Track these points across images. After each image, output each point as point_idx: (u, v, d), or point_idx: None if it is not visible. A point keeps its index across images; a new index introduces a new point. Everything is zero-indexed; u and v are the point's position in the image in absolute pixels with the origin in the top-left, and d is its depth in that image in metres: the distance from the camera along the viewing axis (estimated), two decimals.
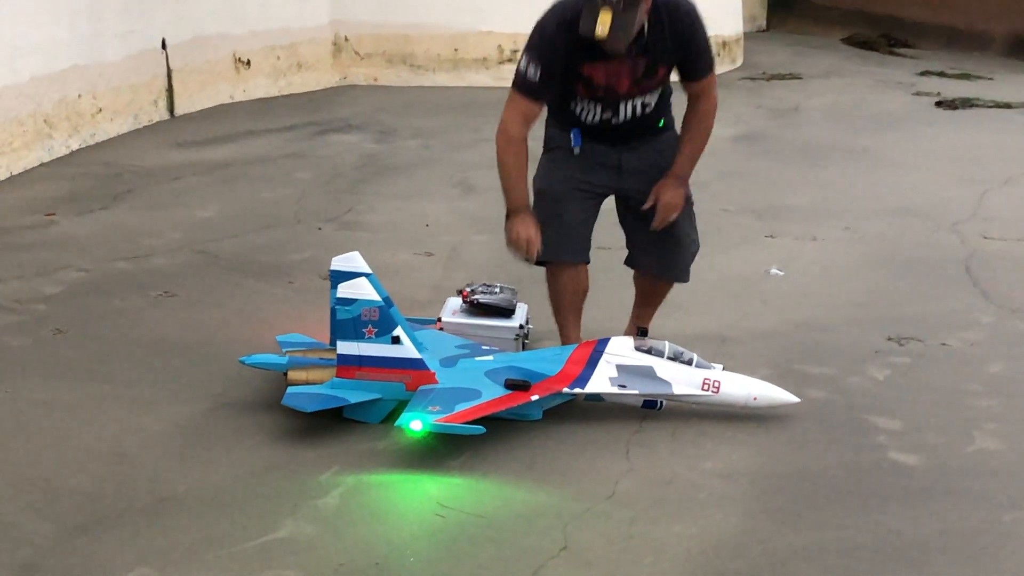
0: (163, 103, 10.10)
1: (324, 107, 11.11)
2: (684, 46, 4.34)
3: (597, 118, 4.46)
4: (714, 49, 4.52)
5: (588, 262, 4.67)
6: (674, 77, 4.50)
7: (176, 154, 8.86)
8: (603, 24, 4.00)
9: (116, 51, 9.27)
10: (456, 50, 12.48)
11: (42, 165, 8.26)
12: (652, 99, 4.47)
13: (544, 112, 4.49)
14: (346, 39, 12.38)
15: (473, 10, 12.40)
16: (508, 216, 4.43)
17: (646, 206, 4.51)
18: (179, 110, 10.29)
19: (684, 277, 4.78)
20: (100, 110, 9.08)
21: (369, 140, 9.61)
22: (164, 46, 10.02)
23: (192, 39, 10.42)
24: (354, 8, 12.30)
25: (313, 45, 12.07)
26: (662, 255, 4.67)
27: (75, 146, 8.72)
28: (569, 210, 4.55)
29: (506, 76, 12.12)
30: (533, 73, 4.27)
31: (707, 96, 4.50)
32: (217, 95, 10.89)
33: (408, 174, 8.45)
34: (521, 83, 4.33)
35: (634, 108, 4.45)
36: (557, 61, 4.27)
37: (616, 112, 4.44)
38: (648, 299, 4.87)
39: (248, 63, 11.28)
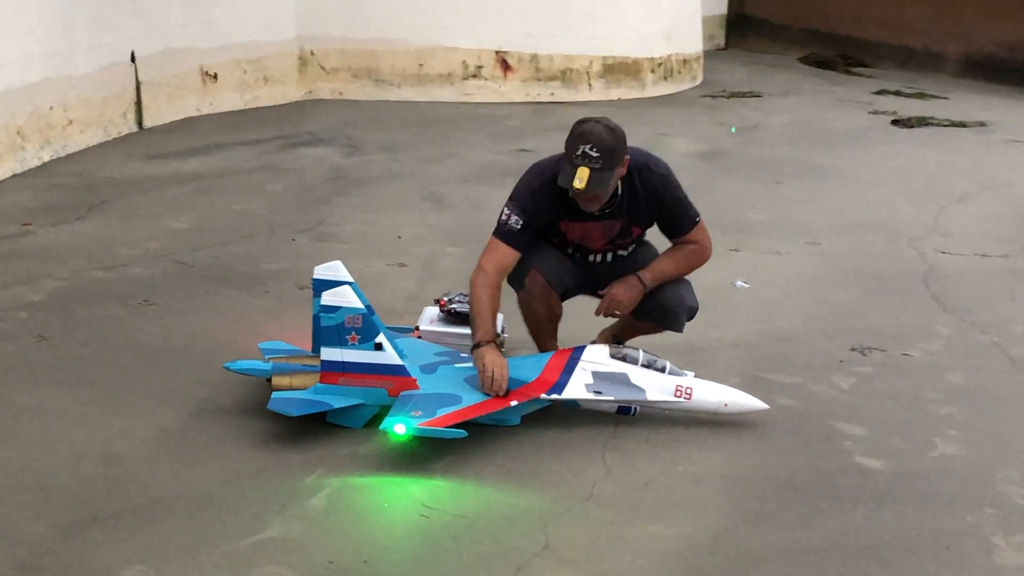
0: (132, 116, 10.15)
1: (291, 121, 11.20)
2: (658, 208, 4.56)
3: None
4: (693, 202, 4.64)
5: (559, 291, 4.66)
6: None
7: (147, 166, 8.91)
8: (580, 179, 4.24)
9: (87, 64, 9.32)
10: (421, 65, 12.62)
11: (15, 176, 8.29)
12: (626, 251, 4.70)
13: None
14: (312, 53, 12.48)
15: (438, 26, 12.57)
16: (475, 347, 4.43)
17: (600, 291, 4.68)
18: (147, 123, 10.35)
19: (676, 327, 4.79)
20: (71, 122, 9.12)
21: (337, 154, 9.70)
22: (133, 59, 10.06)
23: (160, 52, 10.48)
24: (320, 23, 12.42)
25: (279, 59, 12.16)
26: (654, 305, 4.67)
27: (47, 157, 8.76)
28: (549, 246, 4.65)
29: (470, 91, 12.62)
30: (515, 222, 4.47)
31: (695, 241, 4.65)
32: (185, 108, 10.95)
33: (378, 187, 8.54)
34: (502, 231, 4.50)
35: (605, 256, 4.69)
36: (540, 214, 4.48)
37: (586, 258, 4.69)
38: (635, 326, 4.86)
39: (215, 76, 11.35)
